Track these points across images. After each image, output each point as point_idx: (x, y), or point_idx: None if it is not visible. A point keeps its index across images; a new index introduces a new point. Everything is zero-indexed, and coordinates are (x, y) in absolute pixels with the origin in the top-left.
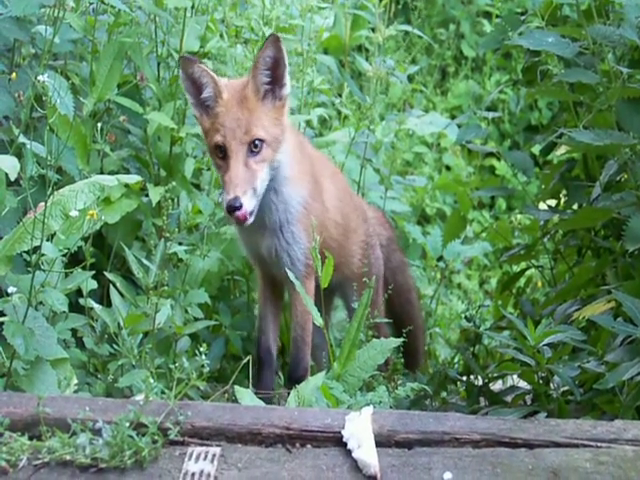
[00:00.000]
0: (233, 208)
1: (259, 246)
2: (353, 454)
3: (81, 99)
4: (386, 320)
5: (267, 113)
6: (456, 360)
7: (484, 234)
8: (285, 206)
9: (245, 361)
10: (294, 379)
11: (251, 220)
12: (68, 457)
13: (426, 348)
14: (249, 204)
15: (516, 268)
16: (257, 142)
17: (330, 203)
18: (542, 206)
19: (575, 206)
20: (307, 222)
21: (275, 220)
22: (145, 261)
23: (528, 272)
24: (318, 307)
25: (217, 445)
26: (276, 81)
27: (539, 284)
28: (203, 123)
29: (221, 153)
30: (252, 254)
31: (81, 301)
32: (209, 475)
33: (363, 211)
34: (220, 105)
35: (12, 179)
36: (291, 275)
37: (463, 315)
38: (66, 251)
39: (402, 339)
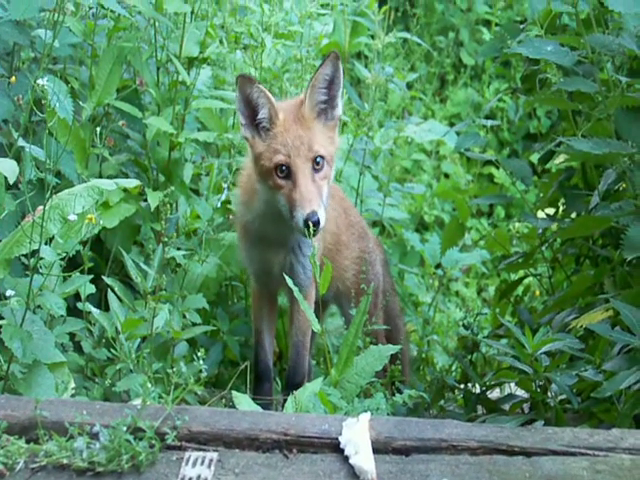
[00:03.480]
0: (314, 222)
1: (271, 263)
2: (350, 460)
3: (80, 103)
4: (384, 327)
5: (322, 131)
6: (454, 368)
7: (482, 242)
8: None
9: (243, 367)
10: (293, 385)
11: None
12: (65, 461)
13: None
14: (322, 217)
15: (514, 276)
16: (319, 159)
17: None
18: (540, 214)
19: (573, 215)
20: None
21: (296, 239)
22: (143, 266)
23: (526, 280)
24: (316, 314)
25: (214, 450)
26: (330, 100)
27: (537, 292)
28: (256, 145)
29: (282, 172)
30: (259, 270)
31: (79, 305)
32: None
33: (361, 228)
34: (277, 126)
35: (11, 182)
36: (290, 282)
37: (461, 323)
38: (64, 255)
39: (399, 346)
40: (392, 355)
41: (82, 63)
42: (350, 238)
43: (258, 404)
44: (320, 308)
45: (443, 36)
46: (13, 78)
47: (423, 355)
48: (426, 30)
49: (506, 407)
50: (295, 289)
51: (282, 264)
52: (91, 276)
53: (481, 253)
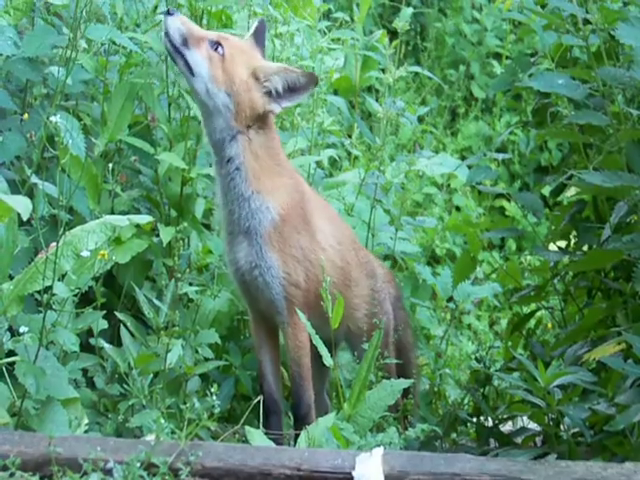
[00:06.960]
0: (168, 11)
1: (238, 261)
2: None
3: (92, 139)
4: (396, 361)
5: (249, 79)
6: (466, 401)
7: (494, 275)
8: (252, 215)
9: (255, 401)
10: (299, 417)
11: (169, 31)
12: None
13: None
14: (174, 22)
15: (526, 309)
16: (218, 46)
17: (326, 243)
18: (552, 247)
19: (585, 247)
20: (281, 249)
21: (244, 223)
22: (156, 301)
23: (538, 313)
24: (328, 347)
25: None
26: (282, 95)
27: (549, 325)
28: None
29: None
30: (236, 279)
31: (92, 341)
32: None
33: (371, 267)
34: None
35: (24, 219)
36: (280, 306)
37: (473, 356)
38: (77, 291)
39: (412, 380)
40: (404, 389)
41: (94, 99)
42: (360, 275)
43: (271, 439)
44: (333, 344)
45: (454, 69)
46: (26, 115)
47: (435, 388)
48: (437, 63)
49: (519, 440)
50: (281, 306)
51: (246, 257)
52: (104, 312)
53: (493, 286)
